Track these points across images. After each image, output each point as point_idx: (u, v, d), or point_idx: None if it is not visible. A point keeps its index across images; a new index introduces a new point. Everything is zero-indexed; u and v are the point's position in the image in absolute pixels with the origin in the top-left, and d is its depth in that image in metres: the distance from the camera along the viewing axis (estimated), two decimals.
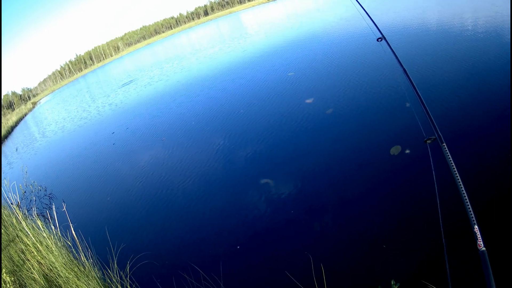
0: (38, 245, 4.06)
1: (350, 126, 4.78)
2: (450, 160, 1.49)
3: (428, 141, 1.73)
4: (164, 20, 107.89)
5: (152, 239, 4.07)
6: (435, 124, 1.73)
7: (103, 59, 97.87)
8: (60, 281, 3.41)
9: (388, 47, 2.41)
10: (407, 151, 3.69)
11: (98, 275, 3.14)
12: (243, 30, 26.11)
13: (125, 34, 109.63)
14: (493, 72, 4.44)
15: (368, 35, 5.13)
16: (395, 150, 3.90)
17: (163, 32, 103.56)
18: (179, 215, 4.38)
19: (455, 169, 1.43)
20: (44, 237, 4.15)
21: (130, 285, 2.75)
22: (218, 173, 5.06)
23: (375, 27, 2.72)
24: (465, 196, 1.32)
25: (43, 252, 3.95)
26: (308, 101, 6.23)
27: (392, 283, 2.28)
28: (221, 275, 2.58)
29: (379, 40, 2.64)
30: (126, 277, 2.78)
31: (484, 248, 1.16)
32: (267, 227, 3.58)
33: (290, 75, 8.53)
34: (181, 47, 33.53)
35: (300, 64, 9.11)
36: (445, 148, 1.57)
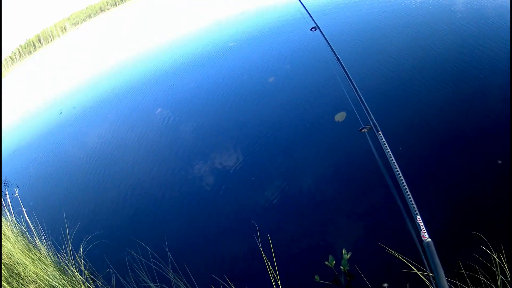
0: None
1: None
2: (386, 147, 1.48)
3: (364, 130, 1.72)
4: None
5: (104, 218, 4.03)
6: (370, 112, 1.72)
7: (51, 40, 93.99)
8: (19, 269, 3.29)
9: (322, 36, 2.40)
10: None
11: (53, 258, 3.05)
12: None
13: (72, 14, 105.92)
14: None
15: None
16: (340, 117, 3.92)
17: (108, 9, 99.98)
18: (129, 193, 4.32)
19: (392, 157, 1.42)
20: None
21: (84, 266, 2.67)
22: (166, 147, 5.03)
23: (309, 17, 2.71)
24: (405, 187, 1.29)
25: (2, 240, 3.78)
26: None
27: (344, 252, 2.31)
28: (168, 250, 2.56)
29: (313, 29, 2.63)
30: (80, 258, 2.71)
31: (429, 239, 1.11)
32: (214, 199, 3.58)
33: (231, 45, 8.54)
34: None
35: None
36: (381, 136, 1.56)
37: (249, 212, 3.15)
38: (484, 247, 1.77)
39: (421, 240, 1.14)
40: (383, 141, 1.52)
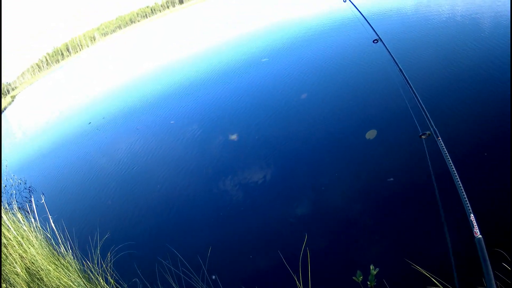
0: (20, 238, 3.97)
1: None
2: (446, 153, 1.54)
3: (423, 136, 1.77)
4: (139, 9, 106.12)
5: (133, 229, 4.06)
6: (430, 119, 1.77)
7: (80, 49, 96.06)
8: (42, 274, 3.36)
9: (384, 48, 2.49)
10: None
11: (78, 266, 3.09)
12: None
13: (101, 24, 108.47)
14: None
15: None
16: (370, 134, 3.91)
17: (138, 21, 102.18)
18: (160, 204, 4.38)
19: (450, 161, 1.49)
20: (25, 230, 4.07)
21: (110, 274, 2.71)
22: (195, 160, 5.08)
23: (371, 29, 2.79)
24: (460, 187, 1.38)
25: (25, 245, 3.87)
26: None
27: (371, 268, 2.30)
28: (206, 262, 2.58)
29: (375, 41, 2.70)
30: (107, 267, 2.74)
31: (480, 236, 1.21)
32: (246, 213, 3.61)
33: (264, 61, 8.48)
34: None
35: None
36: (440, 142, 1.62)
37: (279, 226, 3.17)
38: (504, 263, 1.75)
39: (472, 237, 1.23)
40: (442, 146, 1.59)
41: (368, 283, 2.34)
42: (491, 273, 1.10)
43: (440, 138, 1.64)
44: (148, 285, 2.54)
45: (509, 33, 4.19)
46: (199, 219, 3.84)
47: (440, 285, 1.69)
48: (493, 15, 5.89)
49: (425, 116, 1.79)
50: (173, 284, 2.33)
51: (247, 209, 3.63)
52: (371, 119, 4.35)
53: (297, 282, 1.88)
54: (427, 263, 2.20)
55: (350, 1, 3.29)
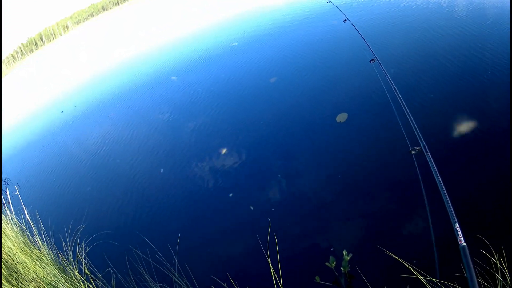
0: None
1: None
2: (434, 167, 1.67)
3: (413, 152, 1.91)
4: None
5: (107, 218, 4.01)
6: (420, 135, 1.91)
7: (53, 38, 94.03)
8: (19, 267, 3.29)
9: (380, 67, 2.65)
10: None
11: (53, 257, 3.05)
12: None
13: (74, 13, 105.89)
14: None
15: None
16: (341, 117, 3.94)
17: (110, 8, 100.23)
18: (133, 192, 4.32)
19: (437, 173, 1.62)
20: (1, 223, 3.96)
21: (85, 265, 2.68)
22: (167, 147, 5.05)
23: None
24: (446, 198, 1.48)
25: (1, 239, 3.77)
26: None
27: (344, 253, 2.33)
28: (176, 250, 2.57)
29: (372, 61, 2.82)
30: (81, 257, 2.71)
31: (464, 244, 1.29)
32: (217, 199, 3.60)
33: (234, 45, 8.44)
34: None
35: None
36: (429, 156, 1.76)
37: (251, 212, 3.16)
38: (484, 251, 1.79)
39: (457, 244, 1.32)
40: (431, 161, 1.73)
41: (342, 269, 2.37)
42: (475, 278, 1.18)
43: (429, 153, 1.78)
44: (120, 275, 2.51)
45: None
46: (171, 206, 3.84)
47: (416, 272, 1.71)
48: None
49: (415, 131, 1.93)
50: (144, 273, 2.32)
51: (219, 195, 3.62)
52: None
53: (271, 268, 1.88)
54: (402, 250, 2.23)
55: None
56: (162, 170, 4.60)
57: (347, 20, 2.65)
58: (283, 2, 11.77)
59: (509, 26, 4.35)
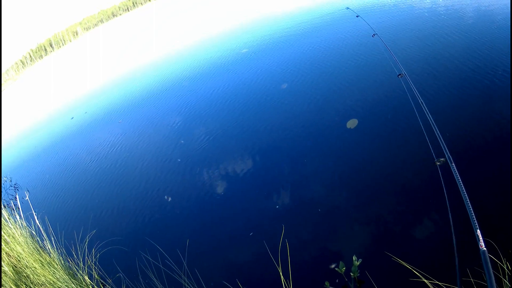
0: (6, 236, 3.92)
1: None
2: (457, 176, 1.76)
3: (438, 163, 2.03)
4: (121, 3, 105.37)
5: (117, 224, 4.03)
6: (445, 146, 2.01)
7: (63, 44, 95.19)
8: (28, 272, 3.32)
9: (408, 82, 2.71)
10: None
11: (63, 263, 3.07)
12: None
13: (84, 19, 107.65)
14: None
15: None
16: (351, 123, 3.94)
17: (120, 14, 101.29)
18: (144, 199, 4.34)
19: (461, 182, 1.71)
20: (10, 227, 4.01)
21: (95, 270, 2.69)
22: (178, 154, 5.04)
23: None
24: (468, 205, 1.59)
25: (11, 243, 3.81)
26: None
27: (354, 258, 2.33)
28: (181, 255, 2.58)
29: (400, 76, 2.87)
30: (91, 263, 2.73)
31: (485, 248, 1.37)
32: (227, 205, 3.61)
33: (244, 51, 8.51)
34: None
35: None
36: (453, 167, 1.85)
37: (261, 218, 3.17)
38: (492, 255, 1.78)
39: (477, 249, 1.40)
40: (455, 171, 1.82)
41: (351, 274, 2.36)
42: (494, 281, 1.24)
43: (453, 164, 1.87)
44: (130, 280, 2.52)
45: None
46: (181, 212, 3.85)
47: (422, 278, 1.71)
48: None
49: (440, 143, 2.01)
50: (154, 278, 2.33)
51: (229, 201, 3.63)
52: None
53: (280, 273, 1.88)
54: (411, 256, 2.23)
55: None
56: (179, 159, 4.64)
57: (376, 35, 2.71)
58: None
59: None
